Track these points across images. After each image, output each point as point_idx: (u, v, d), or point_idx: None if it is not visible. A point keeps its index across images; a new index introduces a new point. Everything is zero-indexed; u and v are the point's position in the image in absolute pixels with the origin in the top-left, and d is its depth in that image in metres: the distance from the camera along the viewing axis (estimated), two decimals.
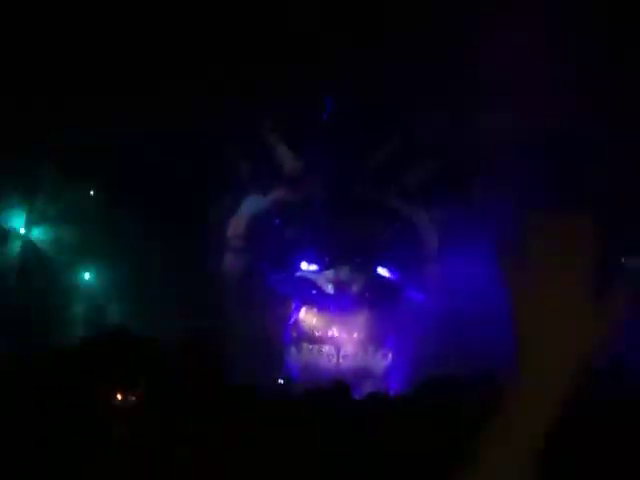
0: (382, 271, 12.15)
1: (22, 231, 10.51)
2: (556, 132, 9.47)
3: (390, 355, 11.92)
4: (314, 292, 12.22)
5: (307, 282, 12.18)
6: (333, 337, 12.08)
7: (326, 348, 11.98)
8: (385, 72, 9.97)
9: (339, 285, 12.17)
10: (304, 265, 12.10)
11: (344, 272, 12.15)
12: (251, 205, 11.97)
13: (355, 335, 12.06)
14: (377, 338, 12.05)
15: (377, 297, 12.16)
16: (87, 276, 11.10)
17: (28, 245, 10.49)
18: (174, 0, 9.40)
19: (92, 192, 10.96)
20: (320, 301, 12.21)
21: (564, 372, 0.86)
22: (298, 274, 12.15)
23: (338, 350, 11.97)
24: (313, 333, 12.09)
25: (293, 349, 11.94)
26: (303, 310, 12.25)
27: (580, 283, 0.86)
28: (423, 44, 9.19)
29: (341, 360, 11.91)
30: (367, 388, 9.18)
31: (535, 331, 0.87)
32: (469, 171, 11.02)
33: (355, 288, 12.18)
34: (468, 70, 9.08)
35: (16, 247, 10.42)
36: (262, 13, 9.35)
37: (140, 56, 9.32)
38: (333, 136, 11.35)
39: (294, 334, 12.10)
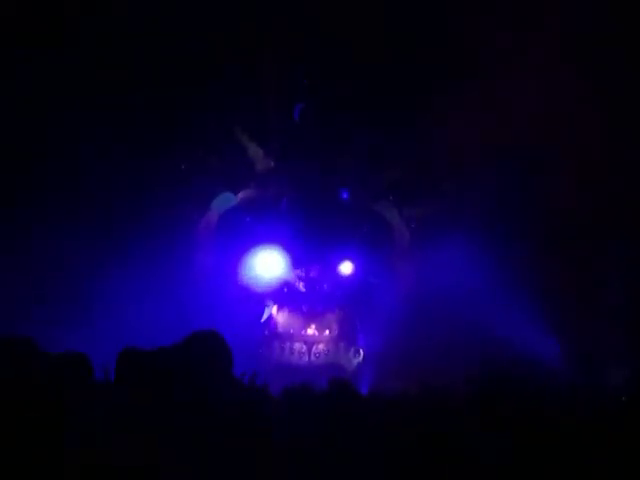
0: (353, 269, 12.18)
1: None
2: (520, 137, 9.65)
3: (362, 352, 11.97)
4: (286, 290, 12.22)
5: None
6: (305, 335, 12.08)
7: (298, 346, 11.99)
8: (354, 73, 10.02)
9: (310, 283, 12.19)
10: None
11: (315, 270, 12.18)
12: (222, 203, 11.93)
13: (327, 333, 12.09)
14: (349, 335, 12.09)
15: (348, 295, 12.21)
16: None
17: None
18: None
19: None
20: (292, 299, 12.22)
21: None
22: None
23: (310, 348, 11.99)
24: (285, 331, 12.09)
25: (265, 347, 11.92)
26: (275, 308, 12.24)
27: None
28: (393, 46, 9.27)
29: (313, 358, 11.93)
30: None
31: None
32: (440, 169, 11.11)
33: (326, 286, 12.21)
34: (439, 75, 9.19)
35: None
36: (234, 13, 9.34)
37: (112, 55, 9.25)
38: (304, 135, 11.36)
39: (266, 332, 12.08)
